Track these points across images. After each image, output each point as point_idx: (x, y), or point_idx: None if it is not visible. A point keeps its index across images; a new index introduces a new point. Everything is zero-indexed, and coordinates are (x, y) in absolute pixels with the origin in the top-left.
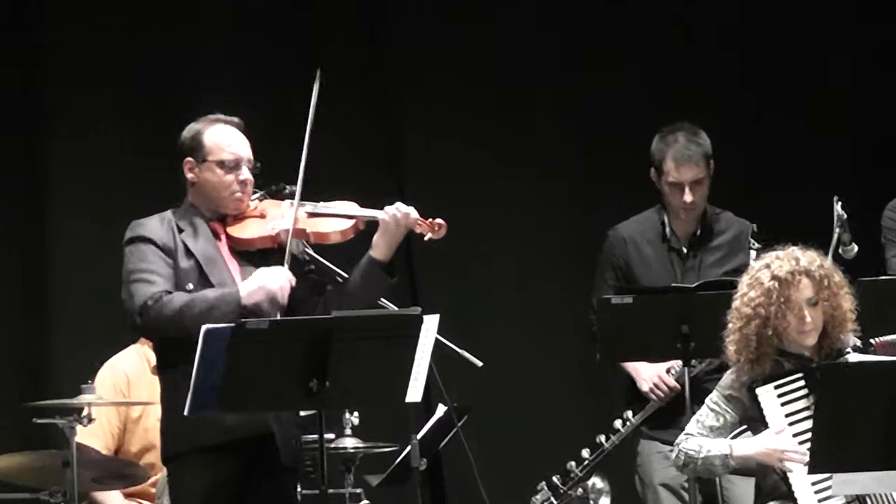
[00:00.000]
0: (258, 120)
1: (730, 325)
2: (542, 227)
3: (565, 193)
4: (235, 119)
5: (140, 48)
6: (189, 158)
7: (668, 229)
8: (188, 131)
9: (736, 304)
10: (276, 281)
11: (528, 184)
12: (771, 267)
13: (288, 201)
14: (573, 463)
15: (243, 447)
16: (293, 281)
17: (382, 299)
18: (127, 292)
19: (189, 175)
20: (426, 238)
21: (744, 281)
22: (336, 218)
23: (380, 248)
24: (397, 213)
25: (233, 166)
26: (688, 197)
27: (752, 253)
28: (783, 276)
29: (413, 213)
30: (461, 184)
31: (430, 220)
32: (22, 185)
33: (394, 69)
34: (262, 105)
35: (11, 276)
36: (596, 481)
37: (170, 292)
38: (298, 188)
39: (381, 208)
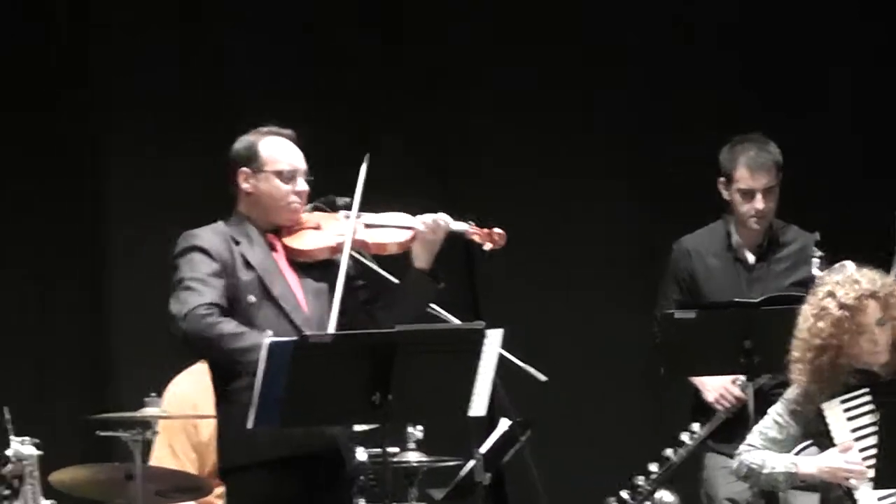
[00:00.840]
0: (307, 130)
1: (796, 354)
2: (606, 241)
3: (630, 206)
4: (288, 131)
5: (191, 60)
6: (244, 169)
7: (734, 240)
8: (242, 142)
9: (803, 335)
10: None
11: (592, 197)
12: (836, 295)
13: (343, 213)
14: (641, 477)
15: (306, 462)
16: None
17: (445, 313)
18: (175, 299)
19: (244, 185)
20: (487, 249)
21: (807, 311)
22: (393, 229)
23: (420, 258)
24: (433, 221)
25: (290, 177)
26: (759, 204)
27: (815, 261)
28: (851, 304)
29: (447, 219)
30: (523, 199)
31: (489, 229)
32: (82, 200)
33: (443, 86)
34: (312, 112)
35: (74, 290)
36: (664, 495)
37: (220, 306)
38: (356, 199)
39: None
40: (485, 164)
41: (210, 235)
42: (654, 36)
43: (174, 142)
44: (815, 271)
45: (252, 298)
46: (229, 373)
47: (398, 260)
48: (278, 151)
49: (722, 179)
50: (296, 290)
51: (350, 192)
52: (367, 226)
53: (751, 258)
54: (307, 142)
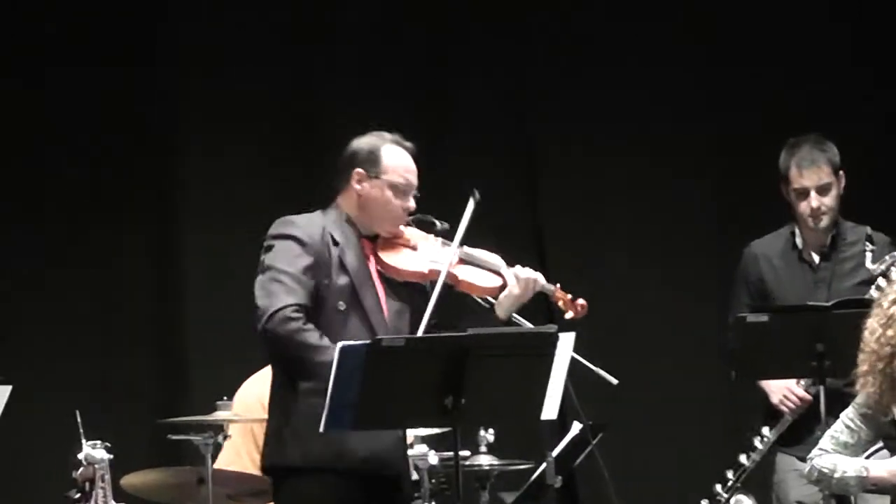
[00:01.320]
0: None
1: (865, 368)
2: (678, 245)
3: (702, 210)
4: (409, 144)
5: (270, 57)
6: (360, 170)
7: (798, 241)
8: (364, 143)
9: (871, 346)
10: None
11: (663, 201)
12: None
13: (440, 241)
14: (718, 486)
15: (362, 477)
16: None
17: (518, 317)
18: (263, 289)
19: (357, 186)
20: (567, 316)
21: (874, 323)
22: (486, 272)
23: (503, 308)
24: (525, 279)
25: (404, 192)
26: (814, 202)
27: (868, 255)
28: None
29: (539, 278)
30: (597, 200)
31: (573, 298)
32: (156, 200)
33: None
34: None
35: (147, 292)
36: (741, 499)
37: (308, 310)
38: (459, 235)
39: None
40: (564, 161)
41: (311, 228)
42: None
43: (250, 145)
44: (869, 265)
45: (342, 305)
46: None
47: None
48: (399, 163)
49: (782, 183)
50: (383, 304)
51: (429, 198)
52: (462, 260)
53: (816, 259)
54: None
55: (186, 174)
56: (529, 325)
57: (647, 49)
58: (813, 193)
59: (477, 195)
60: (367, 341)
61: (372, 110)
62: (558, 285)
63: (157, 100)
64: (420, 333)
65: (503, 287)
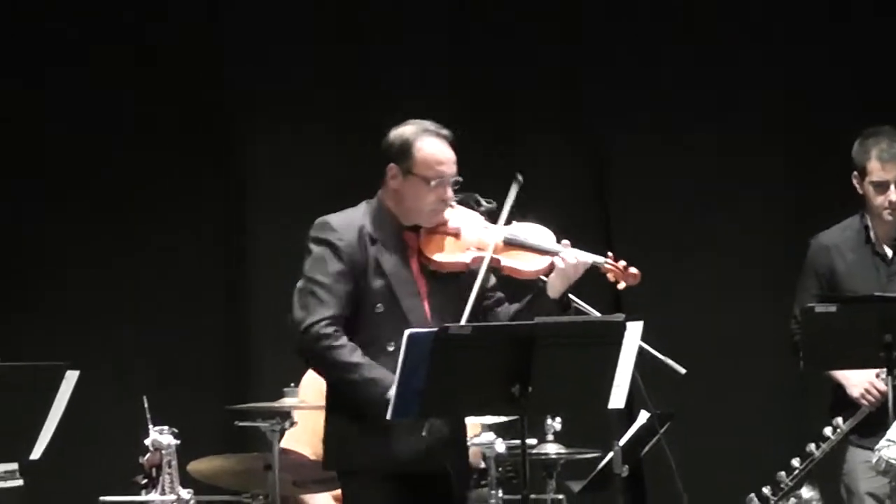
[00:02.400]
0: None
1: None
2: (744, 235)
3: (771, 201)
4: (445, 131)
5: (344, 46)
6: (394, 165)
7: (871, 234)
8: (398, 136)
9: None
10: None
11: (732, 191)
12: None
13: (483, 222)
14: (783, 473)
15: (415, 481)
16: None
17: (586, 305)
18: (300, 301)
19: (391, 182)
20: (620, 287)
21: None
22: (532, 254)
23: (555, 288)
24: (574, 258)
25: (438, 184)
26: (893, 196)
27: None
28: None
29: (585, 255)
30: (664, 190)
31: (625, 266)
32: (223, 189)
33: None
34: (463, 107)
35: (214, 280)
36: (806, 491)
37: (342, 319)
38: (502, 218)
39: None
40: (631, 156)
41: (346, 230)
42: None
43: (315, 135)
44: None
45: (380, 307)
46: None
47: None
48: (432, 155)
49: (855, 173)
50: (424, 301)
51: (492, 191)
52: (507, 243)
53: (889, 252)
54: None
55: (255, 164)
56: (596, 313)
57: (713, 44)
58: (892, 187)
59: (520, 178)
60: (434, 329)
61: (437, 102)
62: (610, 255)
63: (227, 87)
64: (464, 319)
65: (551, 267)
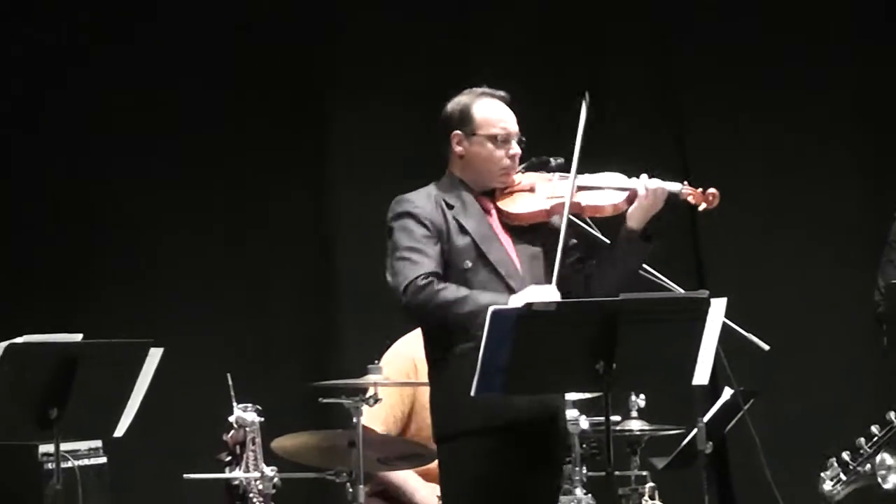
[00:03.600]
0: (530, 95)
1: None
2: (829, 209)
3: (854, 173)
4: (501, 92)
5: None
6: (457, 132)
7: None
8: (455, 104)
9: None
10: (547, 299)
11: (815, 164)
12: None
13: (557, 174)
14: (862, 439)
15: (516, 437)
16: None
17: (669, 281)
18: (392, 270)
19: (457, 148)
20: (700, 209)
21: None
22: (609, 190)
23: (635, 219)
24: (655, 185)
25: (504, 140)
26: None
27: None
28: None
29: (662, 183)
30: (747, 166)
31: (702, 189)
32: (313, 167)
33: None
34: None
35: (300, 258)
36: (885, 457)
37: (437, 274)
38: (574, 162)
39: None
40: (711, 127)
41: (422, 200)
42: None
43: (399, 111)
44: None
45: (468, 263)
46: (445, 341)
47: (611, 220)
48: (492, 114)
49: None
50: (511, 254)
51: (563, 154)
52: (581, 188)
53: None
54: (524, 105)
55: (344, 141)
56: (680, 289)
57: (793, 28)
58: None
59: (587, 97)
60: (518, 306)
61: (525, 88)
62: (685, 182)
63: (315, 63)
64: (555, 274)
65: (631, 199)
